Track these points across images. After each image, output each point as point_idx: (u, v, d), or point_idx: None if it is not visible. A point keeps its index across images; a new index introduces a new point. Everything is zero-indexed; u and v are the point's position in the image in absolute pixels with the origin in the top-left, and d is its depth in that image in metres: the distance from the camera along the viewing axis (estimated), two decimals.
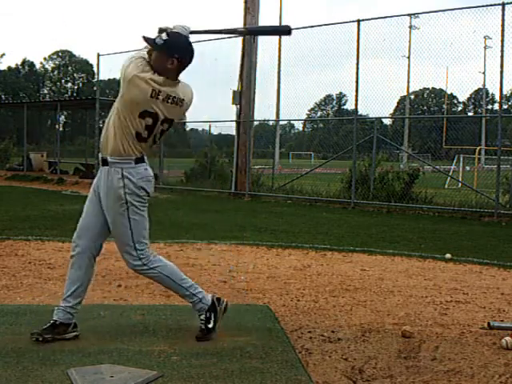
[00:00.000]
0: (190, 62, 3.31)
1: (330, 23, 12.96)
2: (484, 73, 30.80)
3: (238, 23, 14.33)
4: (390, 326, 3.80)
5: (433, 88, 64.48)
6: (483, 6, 10.88)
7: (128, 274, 5.06)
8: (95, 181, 3.40)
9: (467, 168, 23.53)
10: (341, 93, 52.47)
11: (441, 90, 55.52)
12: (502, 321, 3.96)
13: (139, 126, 3.19)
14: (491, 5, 10.62)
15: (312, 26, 13.11)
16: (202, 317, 3.42)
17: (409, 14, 12.84)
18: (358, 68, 12.10)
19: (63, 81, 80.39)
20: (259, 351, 3.20)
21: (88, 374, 2.80)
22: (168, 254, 5.88)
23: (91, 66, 70.02)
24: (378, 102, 13.29)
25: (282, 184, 14.40)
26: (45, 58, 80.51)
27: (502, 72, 10.32)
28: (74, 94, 72.20)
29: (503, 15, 10.20)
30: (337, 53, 14.95)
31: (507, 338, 3.39)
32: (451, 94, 54.70)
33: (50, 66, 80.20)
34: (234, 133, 14.65)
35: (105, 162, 3.29)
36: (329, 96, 65.52)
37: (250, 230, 8.22)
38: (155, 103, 3.17)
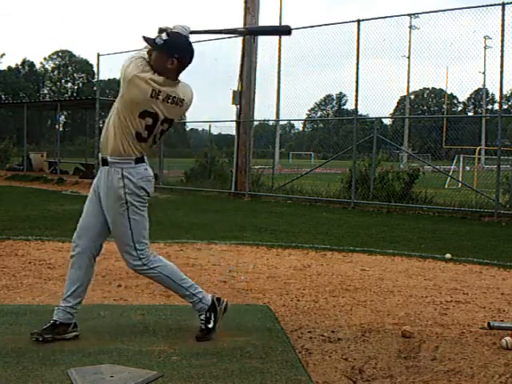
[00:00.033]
0: (189, 62, 3.31)
1: (329, 23, 12.98)
2: (484, 73, 30.82)
3: (238, 23, 14.36)
4: (390, 325, 3.80)
5: (433, 88, 64.51)
6: (483, 6, 10.89)
7: (128, 274, 5.06)
8: (95, 181, 3.40)
9: (467, 168, 23.53)
10: (341, 93, 52.47)
11: (441, 90, 55.56)
12: (502, 321, 3.96)
13: (139, 125, 3.19)
14: (491, 5, 10.62)
15: (312, 26, 13.12)
16: (202, 317, 3.42)
17: (409, 14, 12.85)
18: (357, 68, 12.10)
19: (63, 81, 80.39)
20: (259, 351, 3.20)
21: (88, 373, 2.80)
22: (168, 254, 5.88)
23: (91, 66, 70.06)
24: (378, 101, 13.31)
25: (281, 184, 14.40)
26: (45, 58, 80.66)
27: (501, 72, 10.32)
28: (74, 94, 72.21)
29: (503, 15, 10.20)
30: (337, 53, 14.94)
31: (507, 338, 3.39)
32: (451, 94, 54.76)
33: (49, 66, 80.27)
34: (234, 133, 14.65)
35: (105, 162, 3.29)
36: (329, 96, 65.57)
37: (249, 230, 8.22)
38: (155, 103, 3.17)
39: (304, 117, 15.73)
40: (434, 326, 3.81)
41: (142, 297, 4.40)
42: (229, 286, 4.79)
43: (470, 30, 12.13)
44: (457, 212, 10.94)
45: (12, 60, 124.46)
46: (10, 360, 2.96)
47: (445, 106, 54.34)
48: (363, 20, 12.04)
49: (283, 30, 4.16)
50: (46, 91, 78.08)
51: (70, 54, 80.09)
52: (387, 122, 36.23)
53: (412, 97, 57.73)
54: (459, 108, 65.77)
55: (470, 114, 63.91)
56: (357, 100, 12.26)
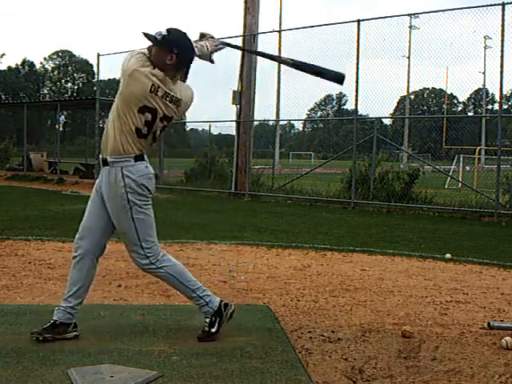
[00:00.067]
0: (189, 58, 3.33)
1: (330, 23, 12.98)
2: (484, 73, 30.88)
3: (238, 23, 14.36)
4: (390, 325, 3.80)
5: (433, 88, 64.54)
6: (483, 6, 10.90)
7: (128, 274, 5.06)
8: (97, 181, 3.40)
9: (467, 168, 23.53)
10: (341, 93, 52.59)
11: (441, 90, 55.59)
12: (502, 321, 3.96)
13: (139, 121, 3.20)
14: (491, 5, 10.62)
15: (312, 26, 13.13)
16: (207, 320, 3.40)
17: (409, 14, 12.85)
18: (357, 68, 12.10)
19: (63, 81, 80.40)
20: (259, 351, 3.20)
21: (88, 373, 2.80)
22: None
23: (91, 66, 70.10)
24: (378, 101, 13.31)
25: (282, 184, 14.40)
26: (45, 58, 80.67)
27: (502, 72, 10.32)
28: (74, 94, 72.23)
29: (503, 15, 10.20)
30: (337, 53, 14.94)
31: (507, 338, 3.39)
32: (451, 94, 54.82)
33: (49, 66, 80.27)
34: (234, 133, 14.65)
35: (105, 163, 3.30)
36: (329, 96, 65.63)
37: (249, 230, 8.22)
38: (154, 99, 3.19)
39: (304, 117, 15.78)
40: (434, 326, 3.81)
41: (142, 297, 4.40)
42: (229, 286, 4.79)
43: (470, 29, 12.20)
44: (457, 212, 10.94)
45: (12, 60, 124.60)
46: (10, 360, 2.96)
47: (445, 106, 54.38)
48: (363, 20, 12.04)
49: (335, 78, 3.58)
50: (46, 91, 78.09)
51: (70, 54, 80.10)
52: (387, 121, 36.33)
53: (412, 97, 57.79)
54: (459, 108, 65.83)
55: (470, 114, 63.99)
56: (357, 100, 12.26)
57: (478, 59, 30.12)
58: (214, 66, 3.67)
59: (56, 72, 79.88)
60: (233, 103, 14.22)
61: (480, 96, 50.63)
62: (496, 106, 40.99)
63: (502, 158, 11.20)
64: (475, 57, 27.78)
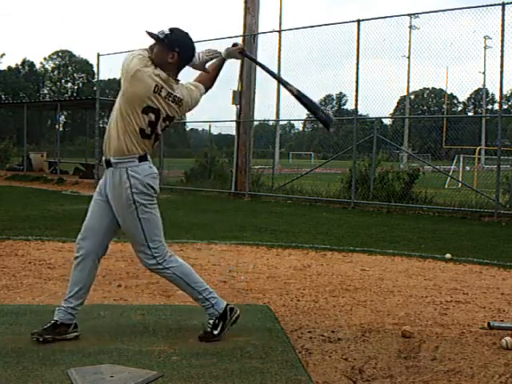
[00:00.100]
0: (190, 57, 3.35)
1: (329, 23, 12.98)
2: (484, 73, 30.86)
3: (238, 23, 14.37)
4: (390, 325, 3.80)
5: (433, 88, 64.55)
6: (483, 6, 10.89)
7: (128, 274, 5.06)
8: (101, 182, 3.39)
9: (467, 168, 23.53)
10: (341, 93, 52.55)
11: (441, 90, 55.60)
12: (502, 321, 3.96)
13: (142, 122, 3.20)
14: (491, 5, 10.62)
15: (312, 26, 13.13)
16: (211, 321, 3.39)
17: (409, 14, 12.85)
18: (357, 68, 12.10)
19: (63, 81, 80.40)
20: (259, 351, 3.20)
21: (88, 373, 2.80)
22: None
23: (91, 66, 70.11)
24: (378, 101, 13.30)
25: (282, 184, 14.40)
26: (45, 58, 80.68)
27: (502, 72, 10.32)
28: (74, 94, 72.23)
29: (503, 15, 10.20)
30: (337, 53, 14.98)
31: (507, 338, 3.39)
32: (451, 94, 54.82)
33: (50, 66, 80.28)
34: (234, 133, 14.65)
35: (108, 164, 3.29)
36: (329, 96, 65.65)
37: (249, 230, 8.22)
38: (157, 99, 3.20)
39: (304, 117, 15.72)
40: (434, 326, 3.81)
41: (142, 297, 4.40)
42: (229, 286, 4.79)
43: (470, 29, 12.18)
44: (457, 212, 10.94)
45: (12, 60, 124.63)
46: (10, 360, 2.96)
47: (445, 106, 54.38)
48: (363, 20, 12.04)
49: (325, 121, 3.57)
50: (46, 91, 78.09)
51: (70, 54, 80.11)
52: (387, 121, 36.29)
53: (412, 97, 57.79)
54: (459, 108, 65.84)
55: (470, 114, 64.00)
56: (357, 100, 12.26)
57: (478, 59, 30.15)
58: None
59: (56, 72, 79.88)
60: (233, 103, 14.22)
61: (480, 96, 50.64)
62: (496, 106, 41.01)
63: (502, 158, 11.20)
64: (475, 57, 27.80)
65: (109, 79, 43.39)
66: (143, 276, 4.89)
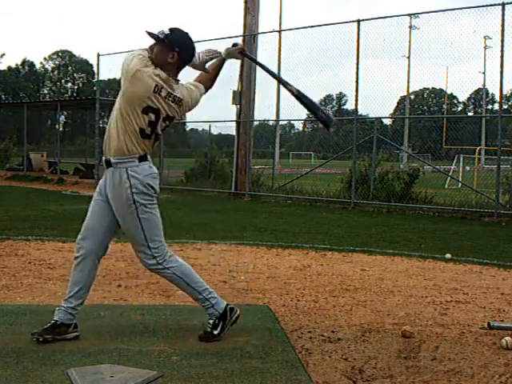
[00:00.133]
0: (190, 57, 3.35)
1: (329, 23, 12.98)
2: (484, 73, 30.86)
3: (238, 23, 14.37)
4: (390, 325, 3.80)
5: (433, 88, 64.55)
6: (483, 6, 10.89)
7: (128, 274, 5.06)
8: (101, 182, 3.39)
9: (467, 168, 23.53)
10: (341, 93, 52.59)
11: (441, 90, 55.61)
12: (502, 321, 3.96)
13: (142, 122, 3.20)
14: (491, 5, 10.62)
15: (312, 26, 13.13)
16: (211, 321, 3.39)
17: (409, 14, 12.85)
18: (357, 68, 12.10)
19: (63, 81, 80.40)
20: (259, 351, 3.20)
21: (88, 373, 2.80)
22: None
23: (91, 66, 70.11)
24: (378, 101, 13.29)
25: (282, 184, 14.40)
26: (45, 58, 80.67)
27: (502, 72, 10.32)
28: (74, 94, 72.23)
29: (503, 15, 10.20)
30: (337, 53, 14.97)
31: (507, 338, 3.39)
32: (451, 94, 54.83)
33: (50, 66, 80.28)
34: (234, 133, 14.65)
35: (108, 164, 3.29)
36: (329, 96, 65.68)
37: (249, 230, 8.22)
38: (157, 99, 3.20)
39: (304, 117, 15.72)
40: (434, 326, 3.81)
41: (142, 297, 4.40)
42: (229, 286, 4.79)
43: (470, 29, 12.18)
44: (457, 212, 10.94)
45: (12, 60, 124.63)
46: (10, 360, 2.96)
47: (445, 106, 54.38)
48: (363, 20, 12.04)
49: (326, 120, 3.56)
50: (46, 91, 78.09)
51: (70, 54, 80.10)
52: (387, 121, 36.29)
53: (412, 97, 57.80)
54: (459, 108, 65.85)
55: (470, 114, 64.01)
56: (357, 100, 12.26)
57: (478, 59, 30.16)
58: None
59: (56, 72, 79.87)
60: (233, 103, 14.22)
61: (480, 96, 50.65)
62: (496, 106, 41.02)
63: (502, 158, 11.20)
64: (475, 57, 27.79)
65: (109, 79, 43.38)
66: (143, 276, 4.89)
